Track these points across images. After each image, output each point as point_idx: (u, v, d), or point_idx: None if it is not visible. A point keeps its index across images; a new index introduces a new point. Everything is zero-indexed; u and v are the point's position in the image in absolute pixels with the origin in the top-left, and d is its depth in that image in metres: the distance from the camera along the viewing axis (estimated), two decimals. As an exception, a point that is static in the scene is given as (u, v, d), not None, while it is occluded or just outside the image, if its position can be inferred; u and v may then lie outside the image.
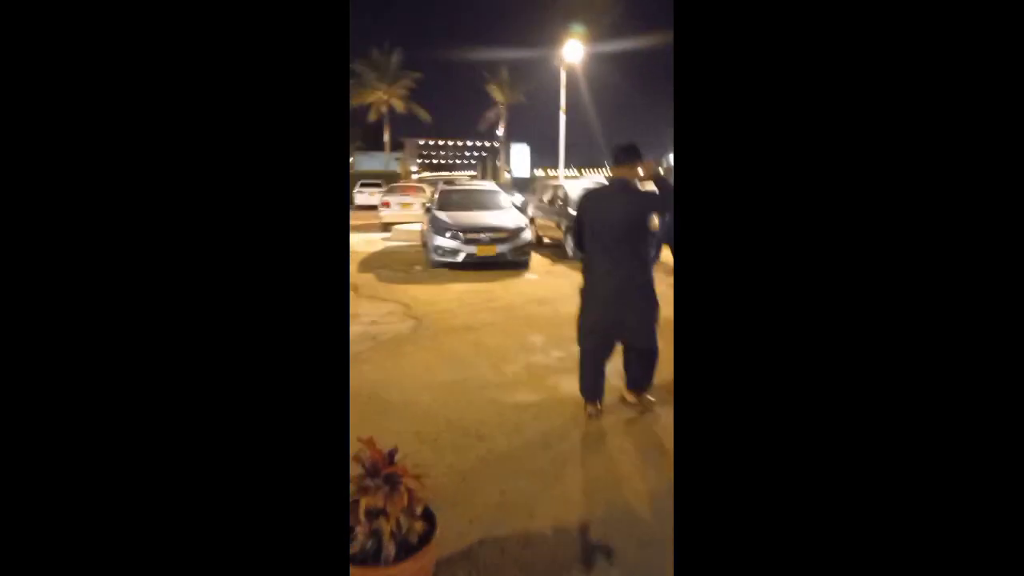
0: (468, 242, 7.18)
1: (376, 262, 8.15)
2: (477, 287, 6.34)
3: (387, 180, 21.00)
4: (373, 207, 14.97)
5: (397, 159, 33.72)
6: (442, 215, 7.64)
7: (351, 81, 30.42)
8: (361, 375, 3.51)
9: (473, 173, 40.85)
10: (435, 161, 51.20)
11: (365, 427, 2.80)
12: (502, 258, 7.26)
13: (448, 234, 7.23)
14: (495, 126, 35.48)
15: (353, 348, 4.01)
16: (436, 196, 8.76)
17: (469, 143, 44.93)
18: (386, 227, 11.99)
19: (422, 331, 4.52)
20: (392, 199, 13.22)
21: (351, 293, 5.92)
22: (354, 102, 31.53)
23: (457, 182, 10.52)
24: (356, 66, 30.49)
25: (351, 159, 39.76)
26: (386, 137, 32.16)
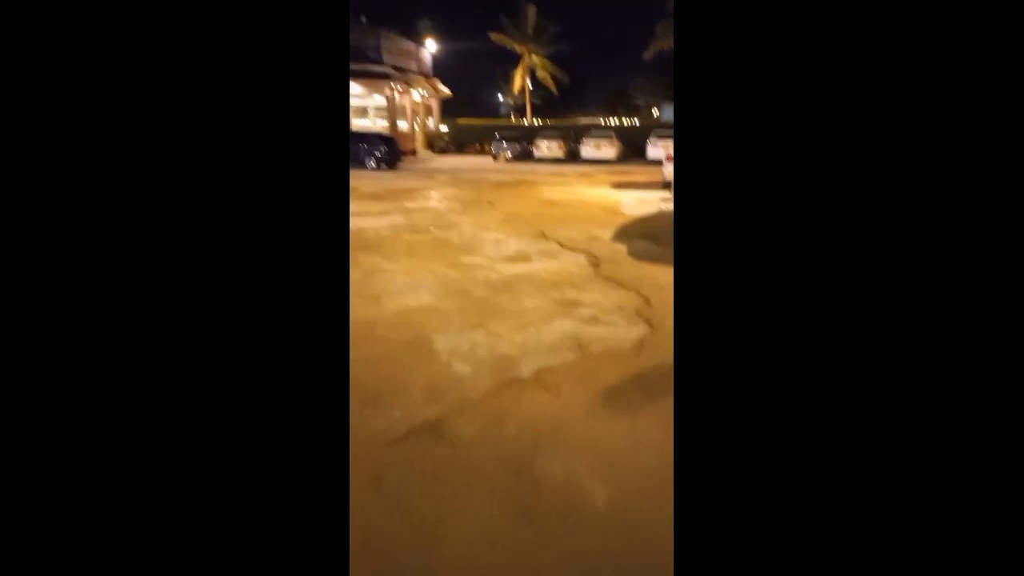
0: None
1: (639, 230, 6.78)
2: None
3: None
4: (660, 162, 13.42)
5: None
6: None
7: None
8: (507, 434, 2.36)
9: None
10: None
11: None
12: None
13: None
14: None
15: (541, 361, 2.90)
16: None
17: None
18: (667, 186, 10.37)
19: (648, 349, 3.08)
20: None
21: (590, 270, 4.82)
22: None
23: None
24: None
25: (654, 109, 38.20)
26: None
